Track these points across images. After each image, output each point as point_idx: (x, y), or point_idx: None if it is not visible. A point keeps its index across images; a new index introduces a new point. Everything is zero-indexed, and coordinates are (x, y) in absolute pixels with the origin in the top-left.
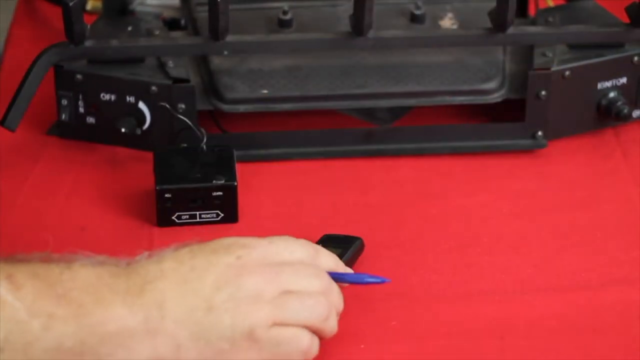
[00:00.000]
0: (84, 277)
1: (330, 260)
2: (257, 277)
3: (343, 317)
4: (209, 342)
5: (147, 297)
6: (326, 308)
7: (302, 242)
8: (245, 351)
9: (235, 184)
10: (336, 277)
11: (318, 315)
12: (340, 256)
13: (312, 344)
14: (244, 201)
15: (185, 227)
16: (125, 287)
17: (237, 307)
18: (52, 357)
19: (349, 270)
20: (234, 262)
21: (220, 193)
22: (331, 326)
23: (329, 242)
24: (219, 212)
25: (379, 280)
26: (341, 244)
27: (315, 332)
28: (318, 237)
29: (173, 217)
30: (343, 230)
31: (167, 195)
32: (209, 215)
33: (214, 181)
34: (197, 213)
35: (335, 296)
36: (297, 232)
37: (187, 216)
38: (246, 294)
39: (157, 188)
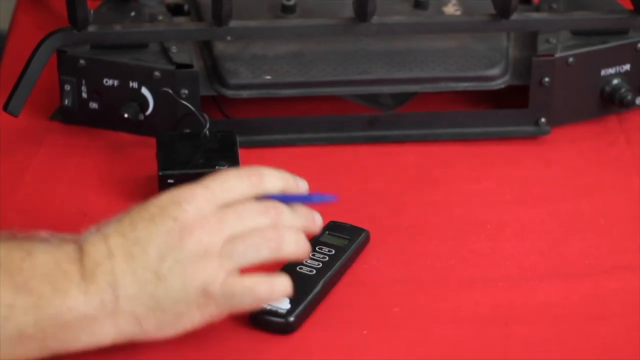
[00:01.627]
0: (43, 264)
1: (277, 182)
2: (199, 234)
3: (345, 304)
4: (165, 310)
5: (100, 280)
6: (275, 239)
7: (241, 172)
8: (203, 309)
9: None
10: (284, 199)
11: (268, 250)
12: (346, 247)
13: (271, 287)
14: None
15: None
16: (80, 273)
17: (184, 270)
18: (15, 344)
19: (302, 185)
20: (173, 226)
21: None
22: (292, 250)
23: (335, 229)
24: None
25: (327, 198)
26: (347, 234)
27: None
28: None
29: None
30: (346, 216)
31: (170, 181)
32: None
33: (217, 167)
34: None
35: (287, 219)
36: None
37: None
38: (191, 254)
39: (160, 173)
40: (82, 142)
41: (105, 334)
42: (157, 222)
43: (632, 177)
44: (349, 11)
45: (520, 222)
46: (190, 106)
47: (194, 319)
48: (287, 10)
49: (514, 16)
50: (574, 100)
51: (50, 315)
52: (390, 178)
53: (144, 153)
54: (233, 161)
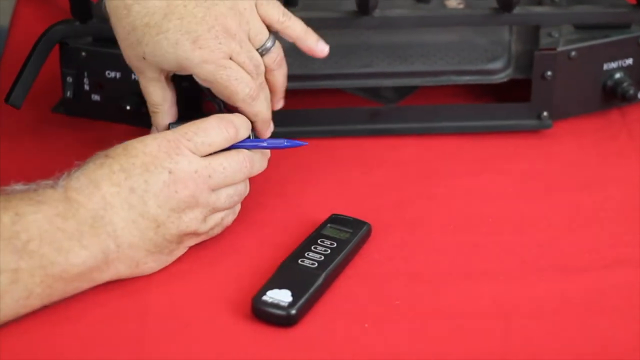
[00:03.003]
0: (36, 224)
1: (247, 132)
2: (192, 189)
3: (347, 296)
4: (162, 251)
5: (101, 233)
6: (245, 190)
7: (220, 125)
8: (188, 244)
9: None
10: (254, 145)
11: (238, 199)
12: (348, 240)
13: (234, 215)
14: (249, 179)
15: None
16: (78, 229)
17: (179, 217)
18: (23, 303)
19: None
20: (168, 179)
21: None
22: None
23: (337, 221)
24: None
25: (296, 143)
26: (349, 227)
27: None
28: (323, 216)
29: None
30: (348, 209)
31: None
32: None
33: None
34: None
35: (257, 167)
36: (303, 211)
37: None
38: (185, 205)
39: None
40: (84, 134)
41: (104, 278)
42: (152, 172)
43: (633, 171)
44: (351, 4)
45: (522, 216)
46: (192, 99)
47: (180, 253)
48: (290, 2)
49: (516, 10)
50: (576, 94)
51: (56, 274)
52: (391, 171)
53: None
54: None
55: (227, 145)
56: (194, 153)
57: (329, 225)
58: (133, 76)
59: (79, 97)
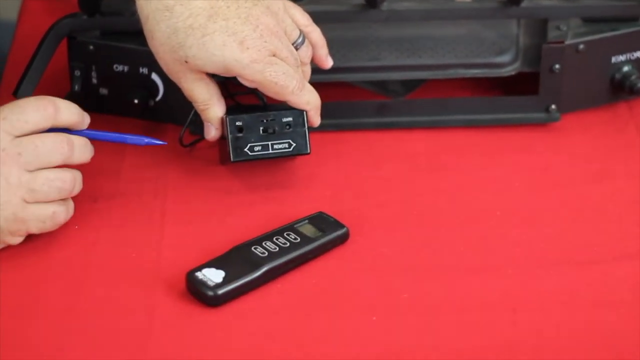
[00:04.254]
0: None
1: (71, 115)
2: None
3: (354, 289)
4: None
5: None
6: (72, 179)
7: (38, 103)
8: (19, 229)
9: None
10: (100, 136)
11: (62, 186)
12: (314, 239)
13: (63, 213)
14: (256, 172)
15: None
16: None
17: None
18: None
19: (87, 119)
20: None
21: (290, 119)
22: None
23: (317, 220)
24: (291, 142)
25: (155, 142)
26: (325, 227)
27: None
28: (329, 209)
29: (246, 149)
30: (355, 202)
31: (238, 124)
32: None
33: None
34: (269, 143)
35: (78, 154)
36: (309, 204)
37: (260, 147)
38: None
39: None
40: (92, 128)
41: None
42: None
43: None
44: None
45: (529, 209)
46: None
47: (13, 241)
48: None
49: (525, 3)
50: (584, 87)
51: None
52: (399, 165)
53: None
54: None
55: (46, 125)
56: (9, 132)
57: (307, 221)
58: (141, 70)
59: (87, 91)
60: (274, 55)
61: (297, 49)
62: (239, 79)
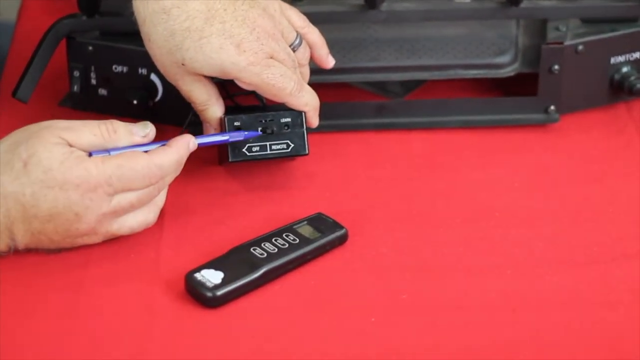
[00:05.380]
0: None
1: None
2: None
3: (353, 290)
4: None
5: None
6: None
7: (140, 169)
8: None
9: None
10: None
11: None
12: (313, 241)
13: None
14: (255, 172)
15: (198, 195)
16: None
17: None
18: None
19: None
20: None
21: (288, 120)
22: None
23: (315, 220)
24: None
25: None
26: (324, 228)
27: None
28: (328, 210)
29: (244, 149)
30: (354, 202)
31: (236, 124)
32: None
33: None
34: (268, 144)
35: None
36: (308, 205)
37: (258, 147)
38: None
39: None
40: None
41: None
42: (29, 171)
43: None
44: None
45: (529, 210)
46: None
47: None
48: None
49: (524, 4)
50: (583, 88)
51: None
52: (398, 165)
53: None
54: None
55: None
56: (110, 195)
57: (306, 222)
58: (140, 70)
59: (86, 91)
60: (271, 58)
61: (294, 50)
62: (237, 81)
